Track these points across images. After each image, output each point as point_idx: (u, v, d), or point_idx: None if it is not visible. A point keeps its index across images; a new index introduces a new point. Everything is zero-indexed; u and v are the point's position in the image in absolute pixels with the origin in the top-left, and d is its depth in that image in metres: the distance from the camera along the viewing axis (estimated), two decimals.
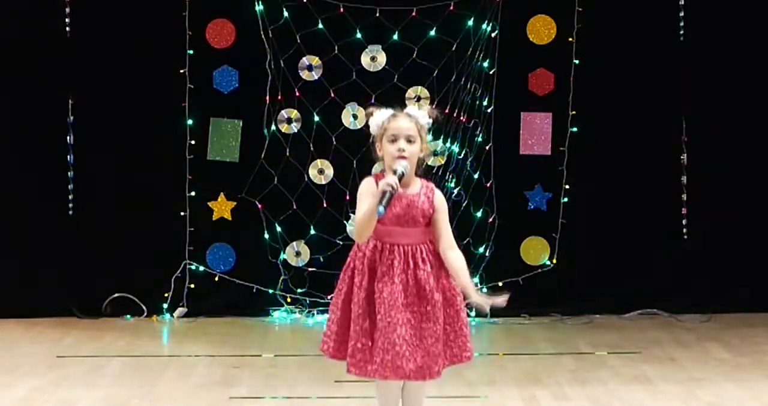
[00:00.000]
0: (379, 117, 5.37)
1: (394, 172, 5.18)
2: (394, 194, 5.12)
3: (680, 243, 8.99)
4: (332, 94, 8.76)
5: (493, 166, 8.83)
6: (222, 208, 8.88)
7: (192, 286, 8.87)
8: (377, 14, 8.71)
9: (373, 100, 8.38)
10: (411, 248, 5.25)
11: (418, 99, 8.62)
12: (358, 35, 8.75)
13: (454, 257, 5.27)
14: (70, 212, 8.83)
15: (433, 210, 5.30)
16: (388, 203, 5.09)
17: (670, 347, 7.87)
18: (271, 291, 8.86)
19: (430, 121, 5.40)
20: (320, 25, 8.72)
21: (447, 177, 8.69)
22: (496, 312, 8.63)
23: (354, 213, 8.49)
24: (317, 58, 8.78)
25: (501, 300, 5.22)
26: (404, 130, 5.28)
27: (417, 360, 5.17)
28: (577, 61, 8.82)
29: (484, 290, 8.81)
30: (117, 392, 6.70)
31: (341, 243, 8.70)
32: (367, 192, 5.22)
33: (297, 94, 8.78)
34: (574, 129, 8.87)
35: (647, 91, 8.87)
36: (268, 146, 8.79)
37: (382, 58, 8.78)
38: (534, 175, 8.92)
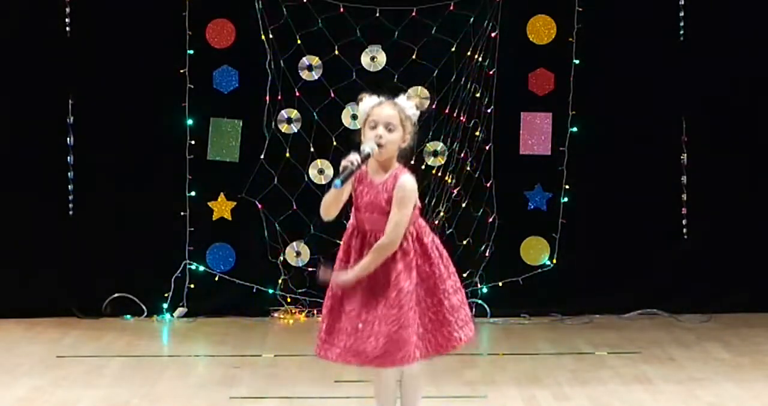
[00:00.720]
0: (366, 104, 5.39)
1: (361, 151, 5.20)
2: (355, 171, 5.15)
3: (680, 243, 8.99)
4: (332, 94, 8.76)
5: (493, 166, 8.83)
6: (222, 208, 8.88)
7: (192, 286, 8.86)
8: (377, 14, 8.70)
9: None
10: (379, 236, 5.25)
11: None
12: (358, 35, 8.74)
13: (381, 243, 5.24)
14: (70, 212, 8.83)
15: (391, 197, 5.26)
16: (346, 178, 5.12)
17: (670, 347, 7.87)
18: (271, 291, 8.86)
19: (417, 112, 5.39)
20: (320, 25, 8.72)
21: (447, 177, 8.69)
22: (496, 312, 8.79)
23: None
24: (317, 58, 8.78)
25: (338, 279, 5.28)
26: (384, 117, 5.29)
27: (380, 346, 5.16)
28: (577, 61, 8.82)
29: (485, 289, 8.83)
30: (117, 392, 6.70)
31: (341, 243, 8.67)
32: None
33: (297, 94, 8.78)
34: (574, 129, 8.87)
35: (647, 91, 8.87)
36: (268, 146, 8.79)
37: (382, 58, 8.78)
38: (534, 175, 8.92)
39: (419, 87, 8.72)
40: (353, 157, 5.16)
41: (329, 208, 5.29)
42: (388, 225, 5.22)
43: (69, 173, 8.82)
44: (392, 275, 5.22)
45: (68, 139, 8.80)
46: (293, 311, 8.82)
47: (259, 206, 8.82)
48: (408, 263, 5.26)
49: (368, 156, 5.19)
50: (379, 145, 5.23)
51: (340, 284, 5.27)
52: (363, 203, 5.29)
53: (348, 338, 5.20)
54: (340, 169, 5.15)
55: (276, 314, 8.83)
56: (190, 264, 8.86)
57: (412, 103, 5.40)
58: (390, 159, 5.31)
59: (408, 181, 5.27)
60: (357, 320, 5.20)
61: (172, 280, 8.84)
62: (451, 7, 8.72)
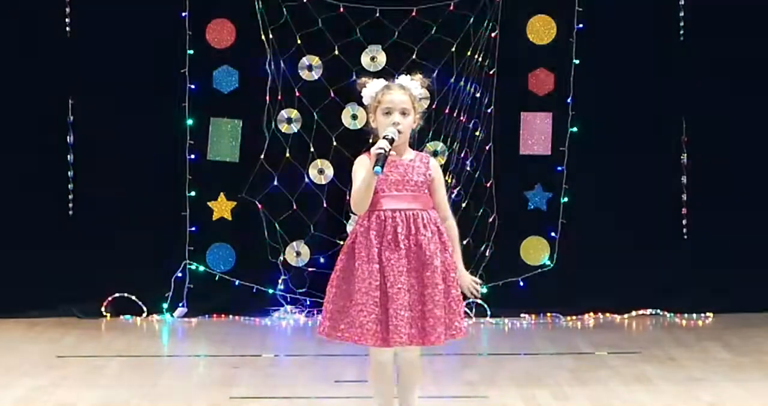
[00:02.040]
0: (373, 88, 5.36)
1: (385, 137, 5.18)
2: (387, 155, 5.13)
3: (680, 243, 8.99)
4: (332, 94, 8.76)
5: (493, 166, 8.83)
6: (222, 208, 8.88)
7: (192, 286, 8.86)
8: (377, 14, 8.71)
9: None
10: (413, 214, 5.26)
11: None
12: (358, 35, 8.74)
13: (448, 228, 5.38)
14: (70, 212, 8.83)
15: (431, 177, 5.33)
16: (383, 163, 5.11)
17: (670, 347, 7.87)
18: (271, 291, 8.86)
19: (423, 91, 5.40)
20: (320, 25, 8.72)
21: (447, 177, 8.69)
22: (496, 312, 8.78)
23: (353, 213, 8.56)
24: (317, 58, 8.78)
25: (475, 291, 5.39)
26: (398, 103, 5.28)
27: (418, 326, 5.20)
28: (577, 61, 8.82)
29: (484, 289, 8.82)
30: (117, 392, 6.69)
31: (341, 243, 8.69)
32: (361, 166, 5.25)
33: (297, 94, 8.78)
34: (574, 129, 8.87)
35: (647, 91, 8.87)
36: (268, 146, 8.78)
37: (382, 58, 8.78)
38: (534, 175, 8.92)
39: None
40: (382, 143, 5.14)
41: (364, 199, 5.21)
42: (445, 205, 5.38)
43: (69, 173, 8.82)
44: (426, 253, 5.23)
45: (68, 139, 8.80)
46: (293, 311, 8.82)
47: (259, 206, 8.82)
48: (436, 243, 5.27)
49: (393, 141, 5.18)
50: (398, 132, 5.22)
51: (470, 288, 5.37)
52: (388, 183, 5.25)
53: (398, 319, 5.15)
54: (374, 158, 5.10)
55: (276, 314, 8.83)
56: (190, 264, 8.86)
57: (417, 82, 5.38)
58: (405, 142, 5.32)
59: (438, 165, 5.43)
60: (402, 300, 5.17)
61: (172, 280, 8.84)
62: (451, 7, 8.72)
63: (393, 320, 5.16)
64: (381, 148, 5.12)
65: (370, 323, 5.19)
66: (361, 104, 8.52)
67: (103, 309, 8.84)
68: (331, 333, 5.33)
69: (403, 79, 5.39)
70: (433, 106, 8.66)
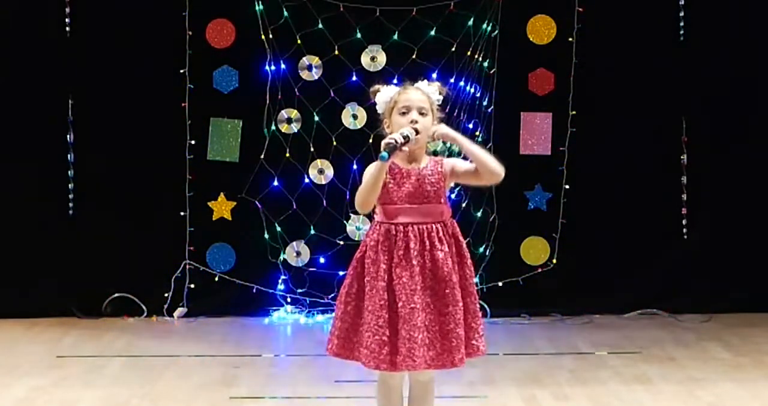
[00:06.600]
0: (387, 92, 5.13)
1: (400, 133, 4.91)
2: (399, 147, 4.85)
3: (680, 243, 8.99)
4: (332, 94, 8.76)
5: None
6: (222, 208, 8.88)
7: (192, 286, 8.87)
8: (377, 14, 8.71)
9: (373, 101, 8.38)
10: (427, 228, 4.97)
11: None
12: (358, 35, 8.75)
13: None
14: (70, 212, 8.84)
15: (446, 173, 5.03)
16: (392, 151, 4.81)
17: (670, 347, 7.88)
18: (271, 291, 8.86)
19: (441, 97, 5.16)
20: (320, 25, 8.72)
21: None
22: (496, 312, 8.78)
23: (354, 213, 8.56)
24: (317, 58, 8.78)
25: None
26: (416, 101, 5.04)
27: (437, 347, 4.93)
28: (577, 61, 8.82)
29: (485, 289, 8.83)
30: (117, 392, 6.70)
31: (341, 243, 8.71)
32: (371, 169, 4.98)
33: (297, 94, 8.78)
34: (574, 129, 8.87)
35: (647, 91, 8.87)
36: (268, 146, 8.79)
37: (382, 58, 8.78)
38: (534, 175, 8.92)
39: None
40: (396, 135, 4.88)
41: (371, 193, 4.92)
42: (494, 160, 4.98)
43: (69, 173, 8.82)
44: (444, 269, 4.95)
45: (68, 138, 8.80)
46: (293, 311, 8.82)
47: (259, 206, 8.82)
48: (454, 256, 4.99)
49: (408, 138, 4.90)
50: (416, 131, 4.96)
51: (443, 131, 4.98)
52: (401, 194, 4.98)
53: (411, 342, 4.86)
54: (383, 146, 4.85)
55: (276, 314, 8.83)
56: (190, 264, 8.86)
57: (434, 87, 5.16)
58: (421, 148, 5.05)
59: (450, 160, 5.11)
60: (415, 321, 4.86)
61: (172, 280, 8.84)
62: (451, 7, 8.72)
63: (406, 343, 4.87)
64: (393, 139, 4.85)
65: (374, 345, 4.91)
66: (361, 104, 8.64)
67: (103, 309, 8.84)
68: (340, 353, 5.08)
69: (420, 83, 5.17)
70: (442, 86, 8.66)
